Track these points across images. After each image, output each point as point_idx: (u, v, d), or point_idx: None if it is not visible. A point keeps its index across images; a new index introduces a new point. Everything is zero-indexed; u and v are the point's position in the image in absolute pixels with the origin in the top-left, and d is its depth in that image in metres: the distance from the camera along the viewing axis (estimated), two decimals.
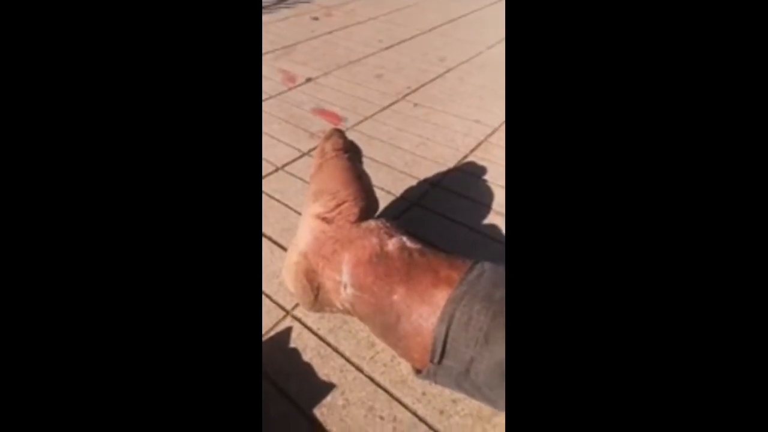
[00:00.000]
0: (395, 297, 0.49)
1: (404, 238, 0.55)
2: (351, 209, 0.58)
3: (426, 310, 0.46)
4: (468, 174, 0.94)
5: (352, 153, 0.66)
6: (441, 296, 0.46)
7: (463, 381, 0.45)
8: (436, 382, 0.48)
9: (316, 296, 0.57)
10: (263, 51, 1.57)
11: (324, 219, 0.58)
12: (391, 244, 0.54)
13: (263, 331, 0.60)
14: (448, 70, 1.45)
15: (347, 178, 0.61)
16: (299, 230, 0.62)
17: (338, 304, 0.56)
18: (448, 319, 0.44)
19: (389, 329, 0.50)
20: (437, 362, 0.45)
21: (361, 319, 0.55)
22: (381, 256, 0.53)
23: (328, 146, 0.65)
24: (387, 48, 1.63)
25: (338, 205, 0.58)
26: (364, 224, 0.57)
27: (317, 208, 0.59)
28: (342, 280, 0.54)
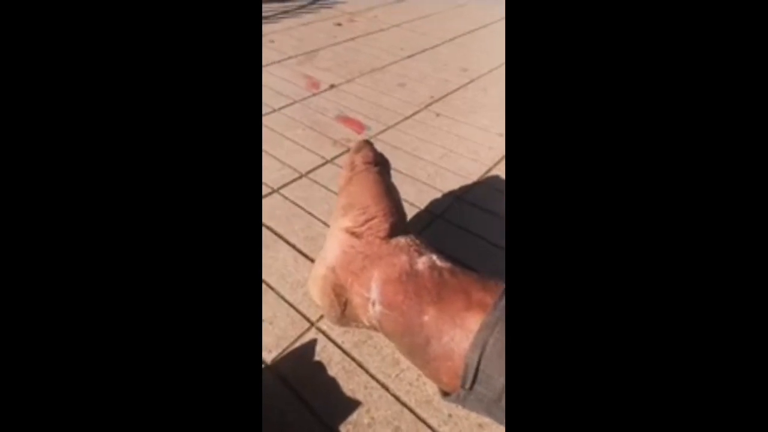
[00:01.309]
0: (425, 318, 0.49)
1: (434, 256, 0.55)
2: (381, 225, 0.58)
3: (458, 334, 0.46)
4: (492, 188, 0.93)
5: (381, 166, 0.66)
6: (473, 321, 0.46)
7: (494, 408, 0.44)
8: (464, 407, 0.48)
9: (343, 311, 0.57)
10: (287, 55, 1.58)
11: (353, 233, 0.58)
12: (421, 263, 0.54)
13: (288, 342, 0.60)
14: (470, 81, 1.45)
15: (377, 192, 0.60)
16: (327, 243, 0.62)
17: (365, 321, 0.56)
18: (481, 345, 0.44)
19: (418, 350, 0.50)
20: (468, 388, 0.44)
21: (388, 336, 0.55)
22: (411, 275, 0.52)
23: (358, 159, 0.65)
24: (409, 56, 1.63)
25: (368, 221, 0.58)
26: (394, 241, 0.57)
27: (346, 222, 0.59)
28: (370, 296, 0.54)
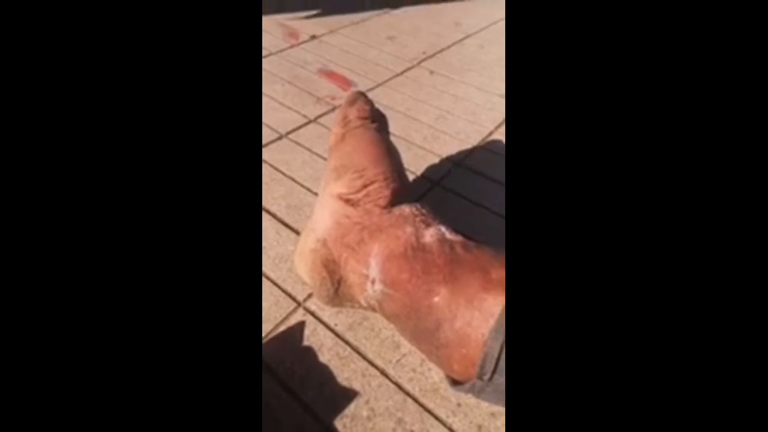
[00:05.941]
0: (436, 299, 0.42)
1: (443, 228, 0.47)
2: (381, 191, 0.49)
3: (476, 318, 0.39)
4: (493, 153, 0.85)
5: (379, 122, 0.57)
6: (494, 302, 0.39)
7: None
8: (478, 397, 0.42)
9: (336, 290, 0.49)
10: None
11: (348, 201, 0.50)
12: (429, 235, 0.46)
13: (272, 325, 0.52)
14: (465, 37, 1.33)
15: (376, 153, 0.52)
16: (317, 212, 0.53)
17: (362, 301, 0.48)
18: (503, 331, 0.37)
19: (425, 335, 0.43)
20: (487, 379, 0.39)
21: (389, 319, 0.48)
22: (417, 249, 0.45)
23: (353, 113, 0.55)
24: (398, 7, 1.48)
25: (365, 186, 0.50)
26: (397, 210, 0.49)
27: (340, 188, 0.50)
28: (369, 274, 0.46)
